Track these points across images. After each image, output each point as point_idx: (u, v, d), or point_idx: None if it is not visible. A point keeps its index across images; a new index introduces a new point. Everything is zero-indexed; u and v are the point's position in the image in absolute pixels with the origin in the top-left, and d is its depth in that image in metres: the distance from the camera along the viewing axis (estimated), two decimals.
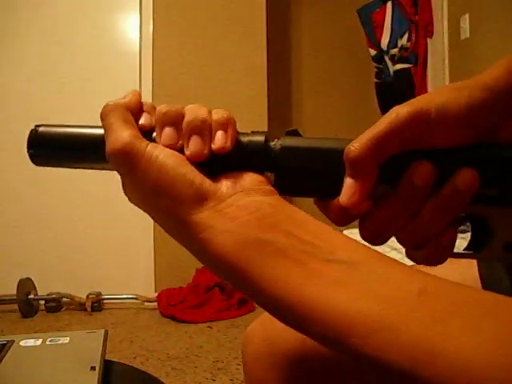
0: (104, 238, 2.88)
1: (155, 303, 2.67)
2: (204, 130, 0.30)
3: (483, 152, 0.29)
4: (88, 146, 0.33)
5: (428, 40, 2.68)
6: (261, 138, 0.31)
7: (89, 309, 2.60)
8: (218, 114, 0.31)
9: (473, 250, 0.31)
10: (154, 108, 0.33)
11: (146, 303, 2.73)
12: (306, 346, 0.48)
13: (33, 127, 0.33)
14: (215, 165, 0.30)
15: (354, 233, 0.33)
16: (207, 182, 0.29)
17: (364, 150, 0.28)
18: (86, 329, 1.97)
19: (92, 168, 0.34)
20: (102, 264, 2.85)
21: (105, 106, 0.32)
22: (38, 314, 2.61)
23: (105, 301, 2.71)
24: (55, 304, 2.64)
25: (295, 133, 0.32)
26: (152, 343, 2.16)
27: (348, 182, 0.28)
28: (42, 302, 2.64)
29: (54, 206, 2.85)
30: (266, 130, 2.90)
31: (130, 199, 0.33)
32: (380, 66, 2.97)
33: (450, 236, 0.30)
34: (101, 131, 0.32)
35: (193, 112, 0.31)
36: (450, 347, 0.20)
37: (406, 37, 2.76)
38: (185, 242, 0.29)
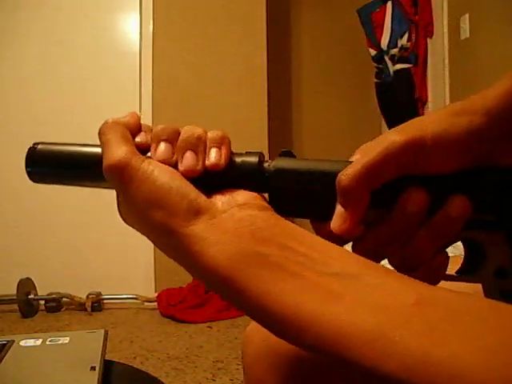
0: (104, 238, 2.88)
1: (155, 303, 2.67)
2: (198, 146, 0.31)
3: (477, 178, 0.29)
4: (85, 164, 0.33)
5: (428, 40, 2.68)
6: (254, 159, 0.32)
7: (89, 309, 2.60)
8: (213, 133, 0.32)
9: (465, 273, 0.31)
10: (151, 129, 0.33)
11: (145, 303, 2.73)
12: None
13: (31, 145, 0.34)
14: (209, 182, 0.30)
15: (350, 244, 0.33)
16: (202, 197, 0.29)
17: (355, 178, 0.28)
18: (86, 329, 1.97)
19: (90, 186, 0.35)
20: (101, 264, 2.85)
21: (104, 123, 0.32)
22: (38, 313, 2.61)
23: (105, 301, 2.71)
24: (55, 304, 2.64)
25: (289, 154, 0.32)
26: (152, 343, 2.17)
27: (339, 209, 0.29)
28: (42, 302, 2.64)
29: (54, 206, 2.85)
30: (266, 126, 2.90)
31: (124, 220, 0.33)
32: (380, 65, 2.97)
33: (442, 260, 0.30)
34: (98, 150, 0.32)
35: (188, 130, 0.32)
36: (445, 356, 0.20)
37: (406, 37, 2.76)
38: (178, 256, 0.29)
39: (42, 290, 2.66)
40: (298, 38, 3.45)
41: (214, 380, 1.77)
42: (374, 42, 2.96)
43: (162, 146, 0.31)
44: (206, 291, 2.59)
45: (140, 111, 2.84)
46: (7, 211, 2.84)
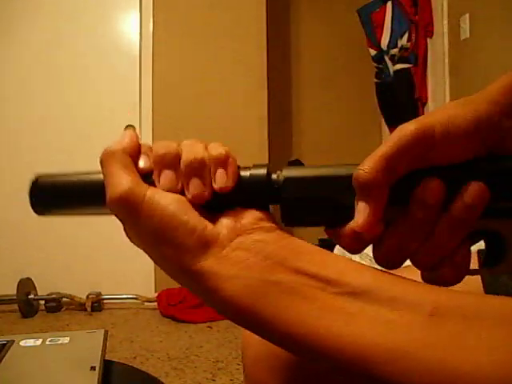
0: (104, 238, 2.87)
1: (155, 303, 2.67)
2: (203, 171, 0.30)
3: (492, 164, 0.28)
4: (89, 194, 0.32)
5: (428, 40, 2.68)
6: (263, 172, 0.31)
7: (89, 309, 2.60)
8: (216, 151, 0.30)
9: (489, 265, 0.30)
10: (151, 148, 0.32)
11: (146, 303, 2.73)
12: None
13: (33, 178, 0.33)
14: (217, 202, 0.30)
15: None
16: (209, 228, 0.28)
17: (374, 171, 0.27)
18: (85, 329, 1.97)
19: (95, 214, 0.34)
20: (101, 264, 2.85)
21: (103, 153, 0.31)
22: (38, 313, 2.61)
23: (105, 301, 2.71)
24: (55, 304, 2.64)
25: (297, 163, 0.32)
26: (152, 343, 2.16)
27: (361, 205, 0.28)
28: (42, 302, 2.65)
29: None
30: (266, 126, 2.90)
31: (131, 241, 0.32)
32: (380, 65, 2.97)
33: (465, 254, 0.29)
34: (101, 177, 0.31)
35: (190, 151, 0.30)
36: (468, 367, 0.21)
37: (406, 37, 2.76)
38: (192, 289, 0.29)
39: (42, 290, 2.66)
40: (297, 37, 3.44)
41: (213, 380, 1.77)
42: (374, 42, 2.96)
43: (166, 174, 0.30)
44: None
45: (140, 111, 2.85)
46: (7, 211, 2.84)
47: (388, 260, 0.29)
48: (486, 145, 0.28)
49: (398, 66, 2.79)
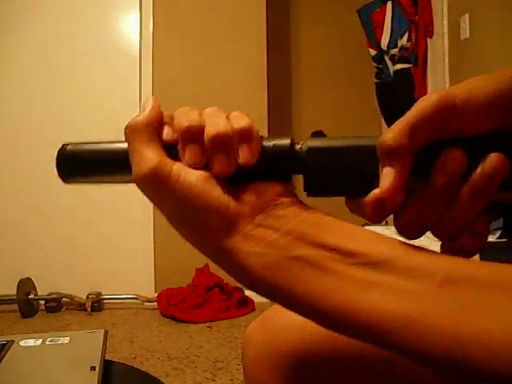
0: (104, 238, 2.88)
1: (155, 303, 2.67)
2: (227, 145, 0.30)
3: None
4: (114, 162, 0.33)
5: (428, 40, 2.67)
6: (286, 142, 0.31)
7: (89, 309, 2.60)
8: (239, 123, 0.31)
9: (506, 237, 0.31)
10: (172, 117, 0.32)
11: (146, 303, 2.73)
12: (306, 347, 0.48)
13: (60, 146, 0.34)
14: (240, 174, 0.30)
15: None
16: (232, 206, 0.29)
17: (398, 138, 0.28)
18: (86, 329, 1.97)
19: (120, 182, 0.34)
20: (102, 264, 2.85)
21: (127, 127, 0.32)
22: (38, 313, 2.61)
23: (105, 301, 2.71)
24: (55, 304, 2.64)
25: (320, 134, 0.33)
26: (152, 343, 2.17)
27: (386, 171, 0.28)
28: (42, 302, 2.65)
29: (54, 206, 2.85)
30: (266, 126, 2.90)
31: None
32: (380, 65, 2.97)
33: (484, 223, 0.30)
34: (126, 146, 0.32)
35: (213, 123, 0.31)
36: (477, 335, 0.22)
37: (406, 37, 2.76)
38: (219, 264, 0.30)
39: (42, 290, 2.66)
40: (297, 37, 3.44)
41: (213, 380, 1.77)
42: (374, 42, 2.96)
43: (191, 149, 0.30)
44: (206, 291, 2.59)
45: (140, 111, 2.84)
46: (7, 211, 2.84)
47: (409, 230, 0.30)
48: (505, 119, 0.28)
49: (398, 66, 2.79)
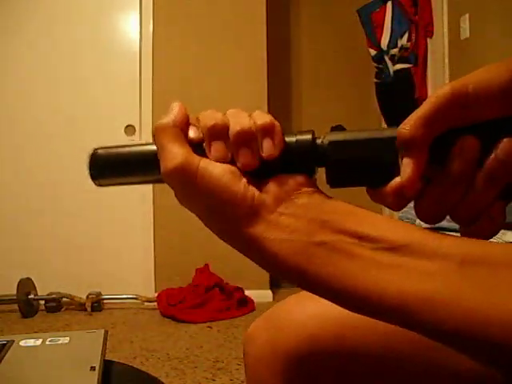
0: (104, 238, 2.88)
1: (155, 303, 2.68)
2: (251, 140, 0.32)
3: None
4: (143, 164, 0.35)
5: (428, 40, 2.68)
6: (308, 136, 0.33)
7: (89, 309, 2.60)
8: (261, 120, 0.32)
9: None
10: (198, 119, 0.34)
11: (146, 303, 2.73)
12: (309, 346, 0.48)
13: (91, 150, 0.37)
14: (265, 168, 0.32)
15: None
16: (257, 196, 0.31)
17: (414, 128, 0.29)
18: (85, 329, 1.97)
19: (149, 182, 0.37)
20: (101, 264, 2.85)
21: (154, 127, 0.33)
22: (38, 313, 2.61)
23: (105, 301, 2.71)
24: (55, 304, 2.64)
25: (340, 128, 0.34)
26: (152, 343, 2.17)
27: (405, 161, 0.30)
28: (42, 302, 2.65)
29: (55, 206, 2.85)
30: None
31: (185, 206, 0.34)
32: (380, 65, 2.97)
33: (499, 208, 0.31)
34: (154, 147, 0.34)
35: (237, 121, 0.32)
36: (500, 313, 0.23)
37: (406, 37, 2.76)
38: (245, 253, 0.32)
39: (42, 290, 2.66)
40: (297, 38, 3.45)
41: (213, 380, 1.77)
42: (374, 42, 2.96)
43: (216, 145, 0.32)
44: (206, 291, 2.59)
45: (140, 111, 2.85)
46: (7, 211, 2.84)
47: (430, 214, 0.31)
48: None
49: (398, 66, 2.79)
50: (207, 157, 0.32)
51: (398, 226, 0.29)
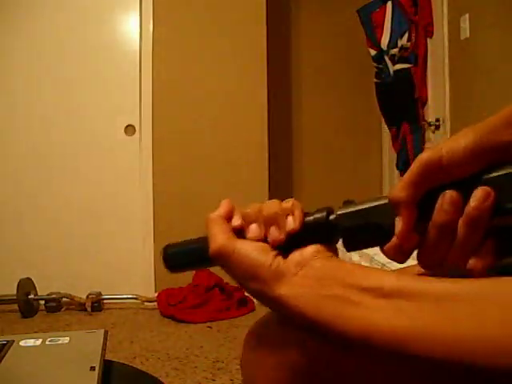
0: (104, 238, 2.88)
1: (155, 303, 2.68)
2: (278, 220, 0.40)
3: (495, 171, 0.34)
4: (202, 254, 0.44)
5: (428, 40, 2.67)
6: (322, 214, 0.41)
7: (89, 309, 2.60)
8: (286, 204, 0.41)
9: (508, 255, 0.36)
10: (242, 211, 0.43)
11: (145, 303, 2.73)
12: (307, 349, 0.48)
13: (164, 247, 0.47)
14: (291, 241, 0.40)
15: None
16: (281, 263, 0.39)
17: (401, 191, 0.36)
18: (85, 329, 1.97)
19: (210, 266, 0.45)
20: (101, 264, 2.85)
21: (206, 219, 0.43)
22: (38, 314, 2.61)
23: (105, 301, 2.71)
24: (55, 304, 2.64)
25: (350, 202, 0.40)
26: (152, 343, 2.17)
27: (397, 220, 0.36)
28: (42, 302, 2.65)
29: (55, 206, 2.85)
30: (266, 126, 2.91)
31: (228, 274, 0.43)
32: (380, 65, 2.97)
33: (487, 247, 0.35)
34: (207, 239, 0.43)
35: (268, 207, 0.41)
36: (483, 342, 0.28)
37: (405, 37, 2.76)
38: (274, 309, 0.40)
39: (42, 290, 2.66)
40: (297, 38, 3.45)
41: (213, 380, 1.77)
42: (374, 42, 2.96)
43: (252, 227, 0.41)
44: (206, 291, 2.59)
45: (140, 111, 2.85)
46: (8, 211, 2.85)
47: (428, 263, 0.37)
48: (486, 161, 0.34)
49: (398, 66, 2.79)
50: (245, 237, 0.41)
51: (389, 275, 0.35)
